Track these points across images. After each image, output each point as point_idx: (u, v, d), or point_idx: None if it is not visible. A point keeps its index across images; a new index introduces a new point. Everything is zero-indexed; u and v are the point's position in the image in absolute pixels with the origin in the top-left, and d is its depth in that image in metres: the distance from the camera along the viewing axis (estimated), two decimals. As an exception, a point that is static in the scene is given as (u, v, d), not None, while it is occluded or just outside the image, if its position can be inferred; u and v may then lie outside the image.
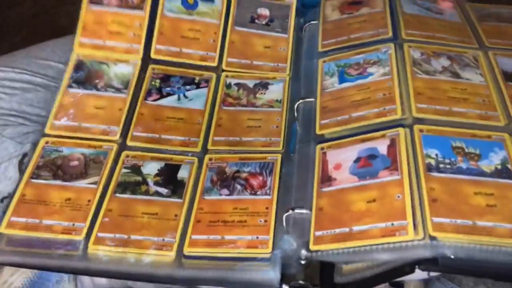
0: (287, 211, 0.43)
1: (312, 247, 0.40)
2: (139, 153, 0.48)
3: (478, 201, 0.39)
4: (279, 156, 0.47)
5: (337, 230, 0.40)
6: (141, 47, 0.54)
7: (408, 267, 0.38)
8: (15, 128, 0.56)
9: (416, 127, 0.45)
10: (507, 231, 0.38)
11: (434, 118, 0.45)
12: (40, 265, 0.42)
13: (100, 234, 0.42)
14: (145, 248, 0.41)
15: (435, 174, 0.41)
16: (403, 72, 0.50)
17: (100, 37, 0.54)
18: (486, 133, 0.44)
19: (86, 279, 0.49)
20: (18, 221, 0.43)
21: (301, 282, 0.40)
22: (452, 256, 0.36)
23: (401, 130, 0.44)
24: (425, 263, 0.37)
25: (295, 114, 0.51)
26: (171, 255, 0.41)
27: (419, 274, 0.44)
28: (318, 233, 0.41)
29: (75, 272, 0.44)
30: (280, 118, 0.51)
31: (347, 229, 0.40)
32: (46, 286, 0.49)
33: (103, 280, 0.49)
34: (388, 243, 0.38)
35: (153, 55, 0.54)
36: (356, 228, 0.39)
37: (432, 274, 0.44)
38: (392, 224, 0.39)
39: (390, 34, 0.54)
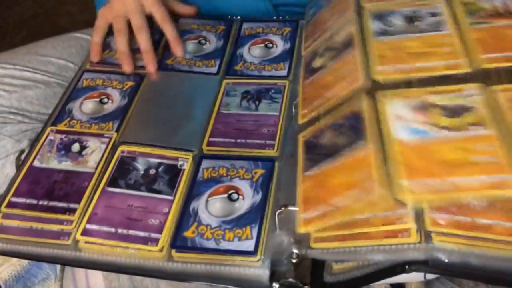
0: (279, 209, 0.47)
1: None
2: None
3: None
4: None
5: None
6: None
7: (398, 267, 0.40)
8: (14, 126, 0.62)
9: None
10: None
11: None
12: (31, 253, 0.47)
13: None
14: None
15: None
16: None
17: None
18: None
19: (81, 281, 0.55)
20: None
21: (291, 280, 0.44)
22: (446, 260, 0.39)
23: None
24: (416, 264, 0.40)
25: (293, 114, 0.55)
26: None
27: (419, 275, 0.49)
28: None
29: (64, 262, 0.49)
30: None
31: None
32: (32, 281, 0.55)
33: (98, 283, 0.54)
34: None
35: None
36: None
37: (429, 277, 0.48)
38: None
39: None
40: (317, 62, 0.57)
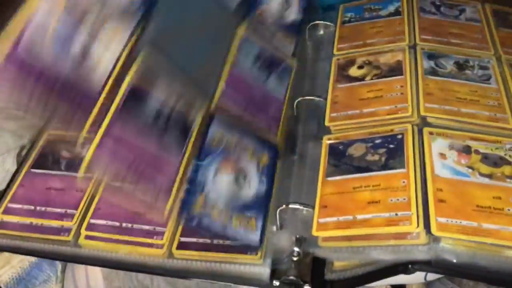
0: (281, 206, 0.47)
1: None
2: None
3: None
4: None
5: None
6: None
7: (401, 266, 0.41)
8: (16, 121, 0.63)
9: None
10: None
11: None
12: (32, 249, 0.48)
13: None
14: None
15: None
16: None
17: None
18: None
19: (81, 282, 0.56)
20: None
21: (292, 278, 0.44)
22: (455, 261, 0.40)
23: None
24: (419, 264, 0.41)
25: (294, 113, 0.56)
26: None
27: (420, 276, 0.49)
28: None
29: (66, 259, 0.49)
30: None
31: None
32: (33, 283, 0.55)
33: (99, 283, 0.55)
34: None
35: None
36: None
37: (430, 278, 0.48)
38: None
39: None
40: (355, 72, 0.58)
